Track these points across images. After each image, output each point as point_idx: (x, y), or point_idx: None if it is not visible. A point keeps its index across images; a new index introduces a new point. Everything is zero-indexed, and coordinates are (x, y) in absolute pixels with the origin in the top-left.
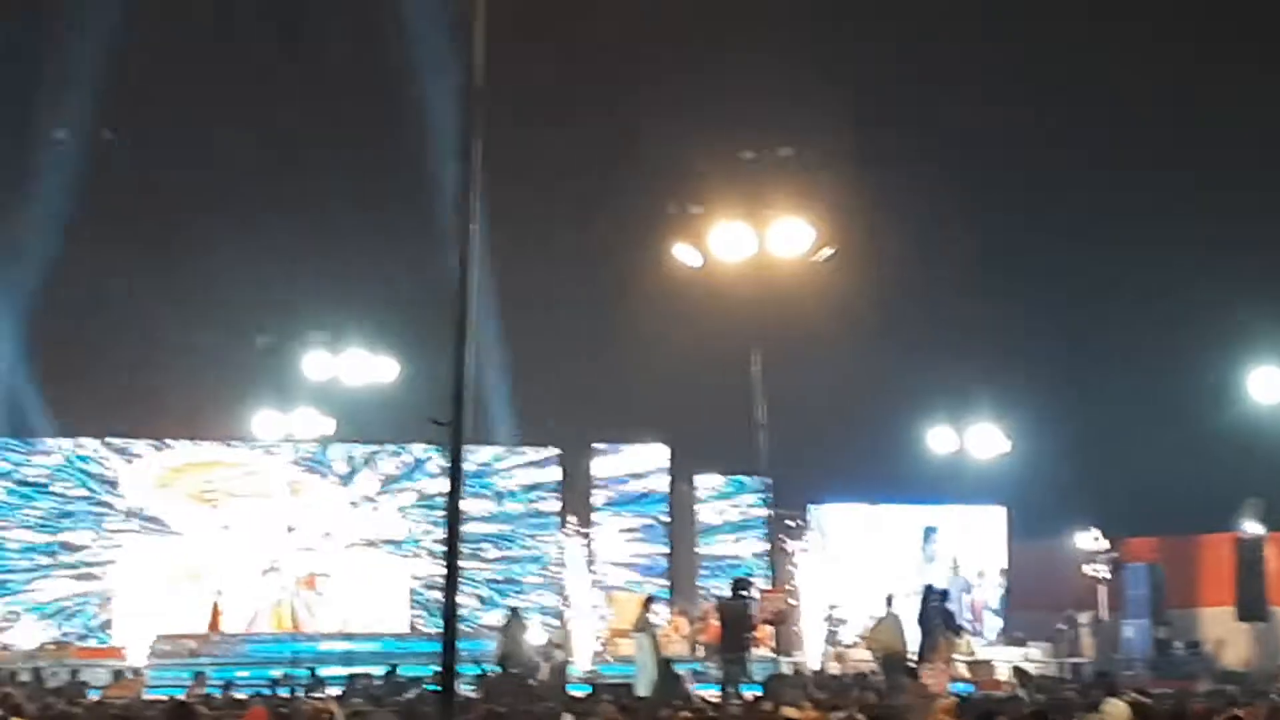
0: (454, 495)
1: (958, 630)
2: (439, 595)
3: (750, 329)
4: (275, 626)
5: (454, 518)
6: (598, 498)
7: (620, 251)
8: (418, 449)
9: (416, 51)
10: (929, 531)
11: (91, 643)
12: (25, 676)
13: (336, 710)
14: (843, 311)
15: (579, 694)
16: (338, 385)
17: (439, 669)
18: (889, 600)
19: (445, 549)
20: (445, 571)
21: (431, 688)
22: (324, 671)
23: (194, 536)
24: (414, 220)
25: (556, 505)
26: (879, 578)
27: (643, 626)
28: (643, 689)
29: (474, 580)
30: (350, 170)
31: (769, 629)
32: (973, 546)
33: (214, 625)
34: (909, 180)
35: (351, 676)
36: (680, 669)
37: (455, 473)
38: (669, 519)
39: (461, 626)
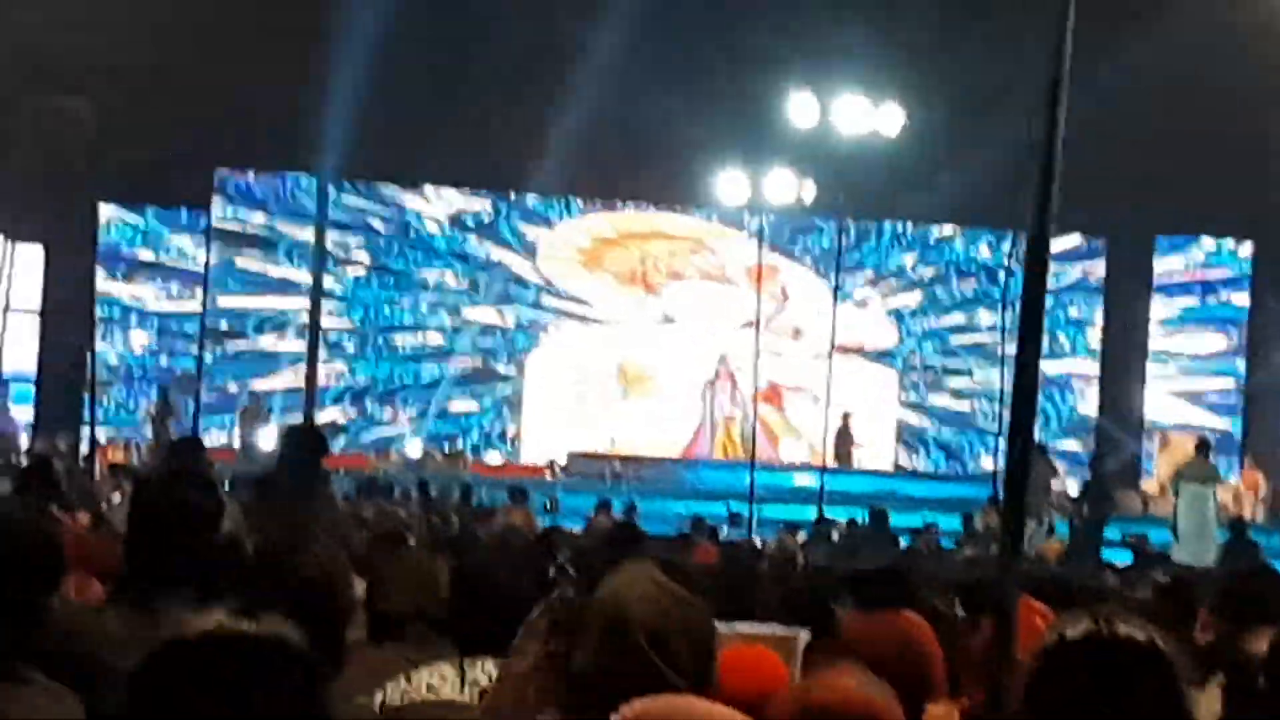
0: (1036, 286)
1: None
2: (935, 424)
3: None
4: (723, 450)
5: (1034, 317)
6: (1156, 308)
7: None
8: (939, 230)
9: None
10: None
11: (492, 456)
12: (410, 490)
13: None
14: None
15: (1117, 563)
16: (825, 139)
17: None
18: None
19: (1019, 360)
20: (1015, 395)
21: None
22: (780, 513)
23: (625, 326)
24: None
25: (1098, 313)
26: None
27: (1200, 476)
28: (1189, 555)
29: (967, 402)
30: None
31: None
32: None
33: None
34: None
35: (821, 521)
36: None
37: (1039, 248)
38: (1249, 341)
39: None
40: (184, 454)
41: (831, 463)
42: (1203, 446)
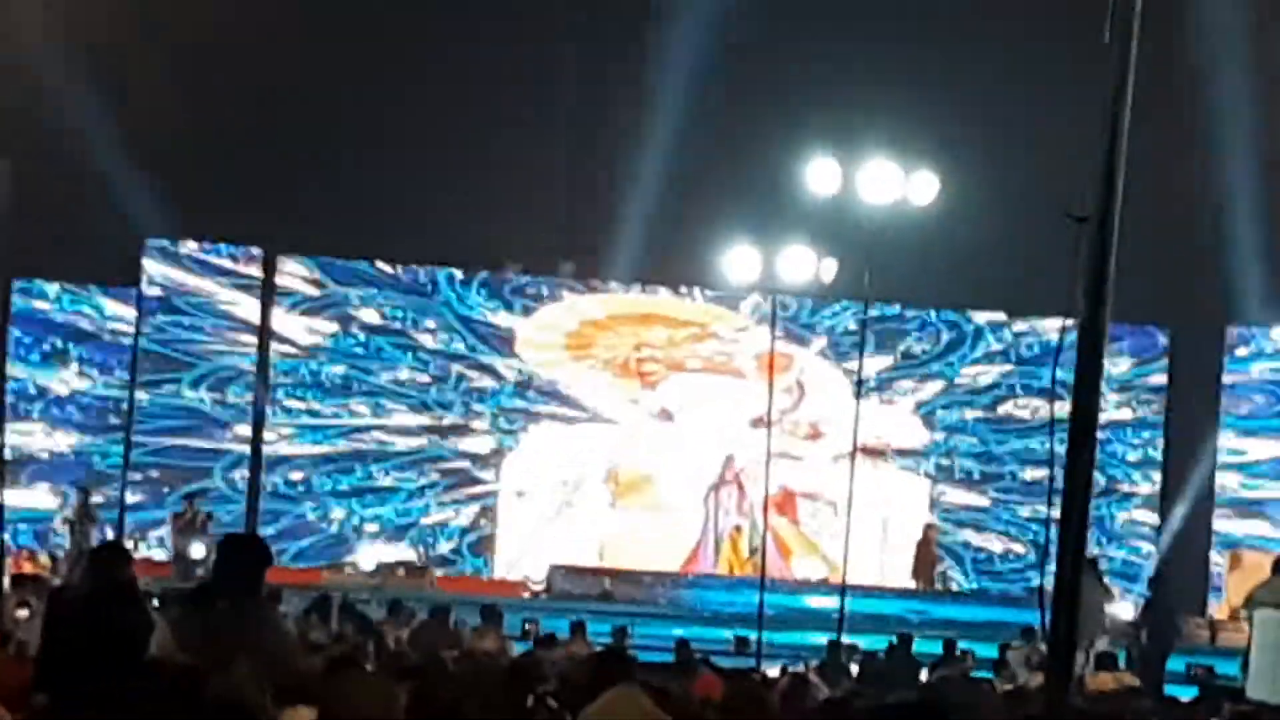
0: (1089, 372)
1: None
2: (973, 535)
3: None
4: (728, 566)
5: (1087, 412)
6: (1227, 405)
7: None
8: (974, 316)
9: None
10: None
11: (462, 568)
12: (372, 609)
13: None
14: None
15: (1181, 698)
16: (847, 209)
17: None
18: None
19: (1067, 464)
20: (1064, 499)
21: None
22: (792, 639)
23: (616, 424)
24: None
25: (1159, 411)
26: None
27: (1277, 600)
28: (1265, 692)
29: (1015, 516)
30: None
31: None
32: None
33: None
34: None
35: (834, 646)
36: None
37: (1093, 333)
38: None
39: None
40: (106, 565)
41: (910, 582)
42: None
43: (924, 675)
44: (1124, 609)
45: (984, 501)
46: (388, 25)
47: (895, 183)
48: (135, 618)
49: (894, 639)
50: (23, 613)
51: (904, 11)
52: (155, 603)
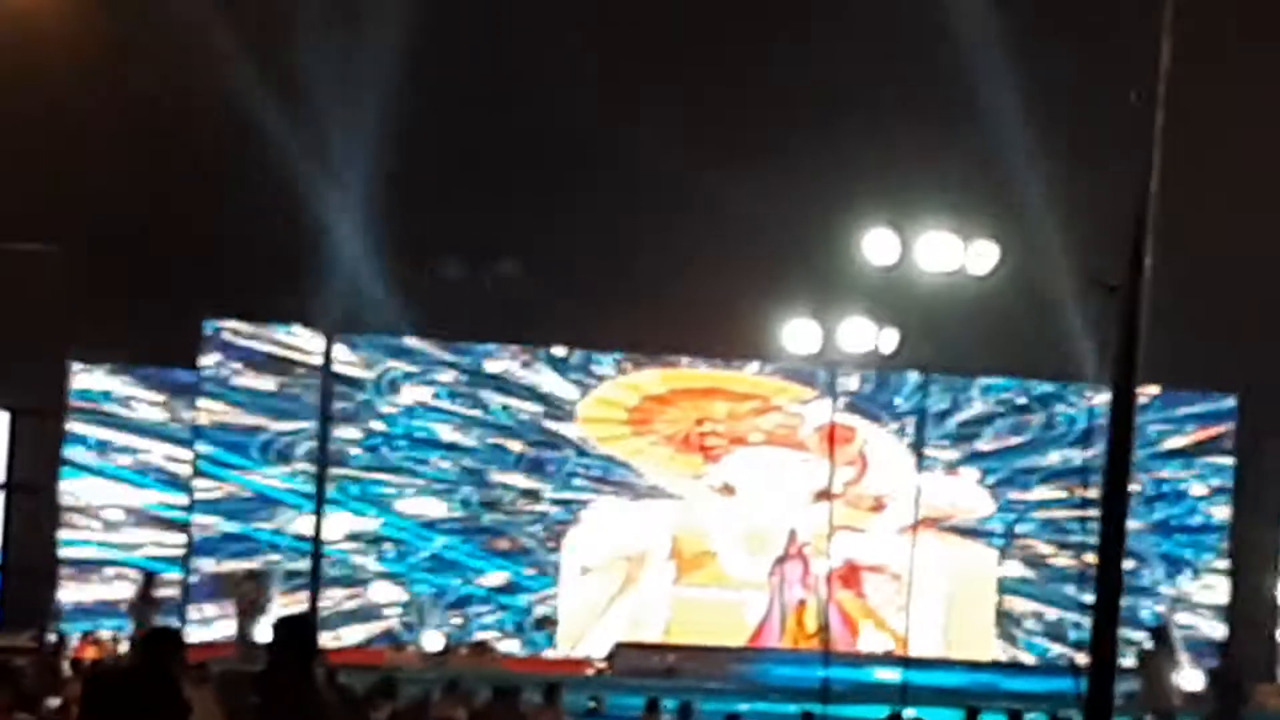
0: (1120, 441)
1: None
2: (1039, 606)
3: None
4: (794, 640)
5: (1119, 478)
6: None
7: None
8: (1040, 385)
9: None
10: None
11: (519, 647)
12: (433, 691)
13: None
14: None
15: None
16: (906, 280)
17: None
18: None
19: (1101, 529)
20: (1098, 569)
21: None
22: (860, 709)
23: (679, 499)
24: None
25: (1228, 478)
26: None
27: None
28: None
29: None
30: None
31: None
32: None
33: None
34: None
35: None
36: None
37: (1124, 396)
38: None
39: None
40: (154, 647)
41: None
42: None
43: None
44: (1197, 677)
45: (1050, 578)
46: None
47: (954, 252)
48: (167, 699)
49: (964, 711)
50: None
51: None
52: (213, 684)
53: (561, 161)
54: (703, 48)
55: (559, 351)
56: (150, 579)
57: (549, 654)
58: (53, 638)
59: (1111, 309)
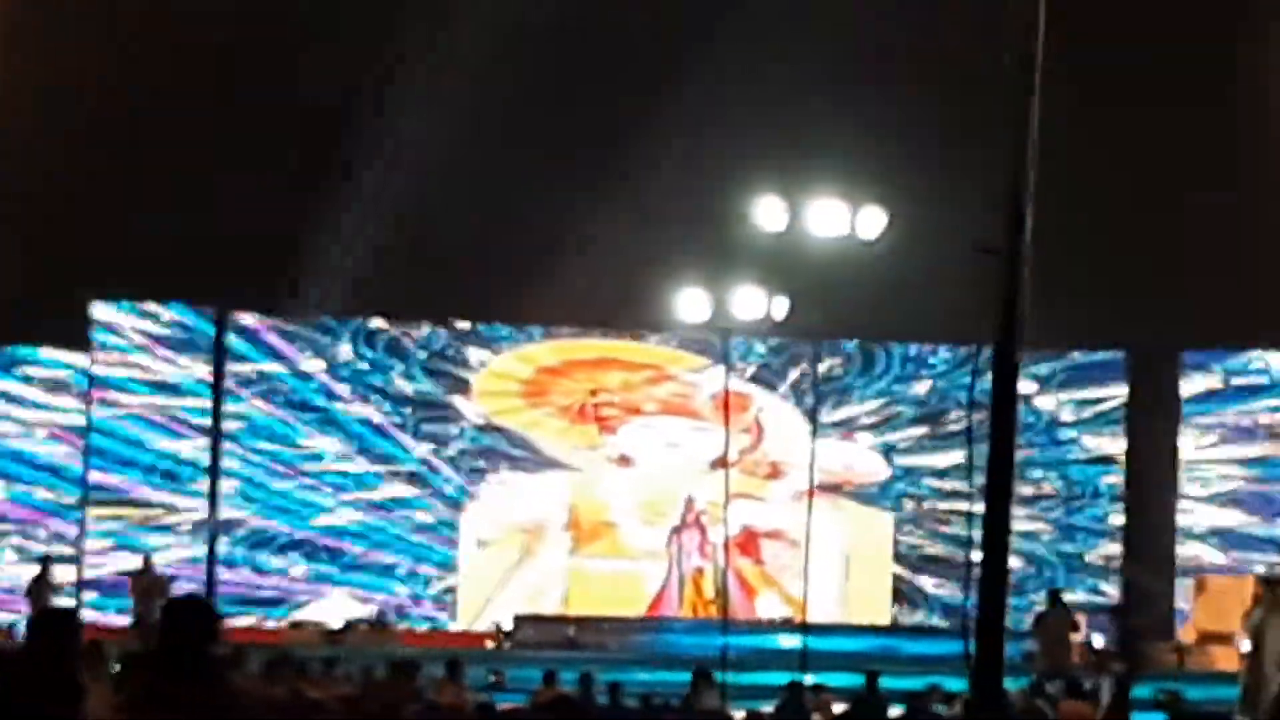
0: (1004, 406)
1: None
2: (934, 571)
3: None
4: (693, 609)
5: (1004, 442)
6: (1187, 429)
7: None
8: (933, 350)
9: None
10: None
11: (421, 624)
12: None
13: None
14: None
15: None
16: (797, 246)
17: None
18: None
19: (988, 493)
20: (985, 532)
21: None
22: (760, 679)
23: (576, 470)
24: None
25: (1120, 439)
26: None
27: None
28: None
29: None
30: None
31: None
32: None
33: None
34: None
35: (793, 686)
36: None
37: (1004, 361)
38: None
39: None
40: (48, 629)
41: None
42: (1271, 583)
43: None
44: (1095, 638)
45: (946, 543)
46: None
47: (843, 218)
48: (61, 681)
49: (863, 676)
50: None
51: (847, 49)
52: (116, 667)
53: (454, 135)
54: (591, 20)
55: (461, 325)
56: (46, 560)
57: (451, 628)
58: None
59: (994, 273)
